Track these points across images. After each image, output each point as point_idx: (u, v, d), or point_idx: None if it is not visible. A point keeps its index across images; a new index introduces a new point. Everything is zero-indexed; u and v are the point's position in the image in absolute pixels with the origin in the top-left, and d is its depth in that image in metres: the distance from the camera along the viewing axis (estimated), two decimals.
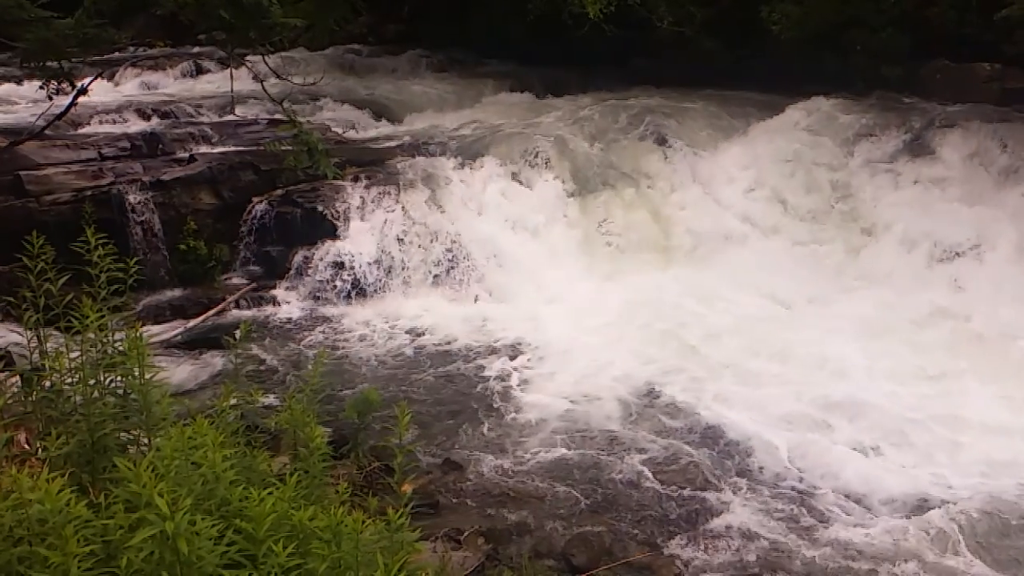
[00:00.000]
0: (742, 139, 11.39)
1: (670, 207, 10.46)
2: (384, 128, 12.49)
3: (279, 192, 9.50)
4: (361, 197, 9.41)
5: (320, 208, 9.26)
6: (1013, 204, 9.50)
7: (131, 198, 8.82)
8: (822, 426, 6.53)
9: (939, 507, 5.52)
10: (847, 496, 5.72)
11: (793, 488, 5.79)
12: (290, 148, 8.24)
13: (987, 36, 11.24)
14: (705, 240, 10.17)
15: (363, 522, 2.60)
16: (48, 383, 3.48)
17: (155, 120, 11.38)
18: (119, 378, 3.23)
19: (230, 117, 11.49)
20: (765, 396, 6.94)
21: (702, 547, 5.14)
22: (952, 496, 5.69)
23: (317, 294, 8.88)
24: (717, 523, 5.37)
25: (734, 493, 5.69)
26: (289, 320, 8.59)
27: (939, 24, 11.66)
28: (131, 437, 3.19)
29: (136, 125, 11.16)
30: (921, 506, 5.60)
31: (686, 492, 5.69)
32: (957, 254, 9.23)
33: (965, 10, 11.42)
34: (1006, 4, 9.96)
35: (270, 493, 2.63)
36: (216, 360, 7.52)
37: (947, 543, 5.17)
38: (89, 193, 8.68)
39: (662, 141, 10.98)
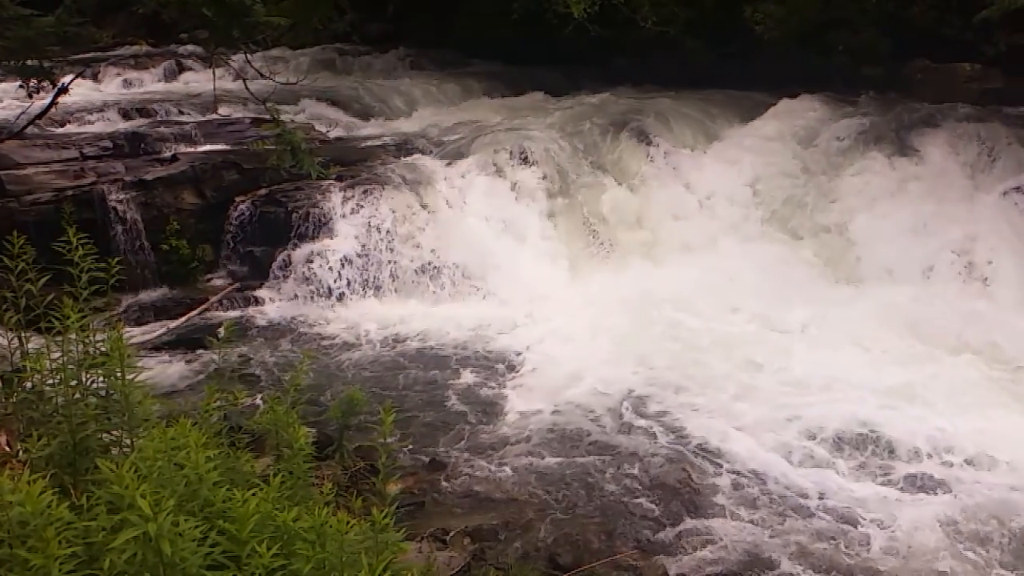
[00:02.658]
0: (727, 139, 11.39)
1: (655, 208, 10.41)
2: (368, 127, 12.48)
3: (262, 192, 9.46)
4: (345, 197, 9.38)
5: (304, 208, 9.22)
6: (997, 205, 9.51)
7: (113, 198, 8.76)
8: (822, 447, 6.31)
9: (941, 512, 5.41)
10: (849, 515, 5.51)
11: (783, 501, 5.66)
12: (273, 147, 8.21)
13: (967, 36, 11.35)
14: (693, 242, 10.08)
15: (348, 523, 2.59)
16: (29, 384, 3.45)
17: (137, 119, 11.31)
18: (101, 379, 3.20)
19: (213, 116, 11.44)
20: (758, 410, 6.75)
21: (688, 549, 5.14)
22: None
23: (301, 295, 8.84)
24: (704, 527, 5.35)
25: (723, 501, 5.64)
26: (273, 321, 8.55)
27: (920, 25, 11.76)
28: (113, 438, 3.16)
29: (118, 124, 11.09)
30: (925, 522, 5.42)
31: (673, 497, 5.65)
32: (954, 263, 9.10)
33: (945, 11, 11.53)
34: (985, 5, 10.06)
35: (254, 494, 2.62)
36: (199, 361, 7.47)
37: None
38: (70, 193, 8.61)
39: (646, 141, 10.98)
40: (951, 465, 6.07)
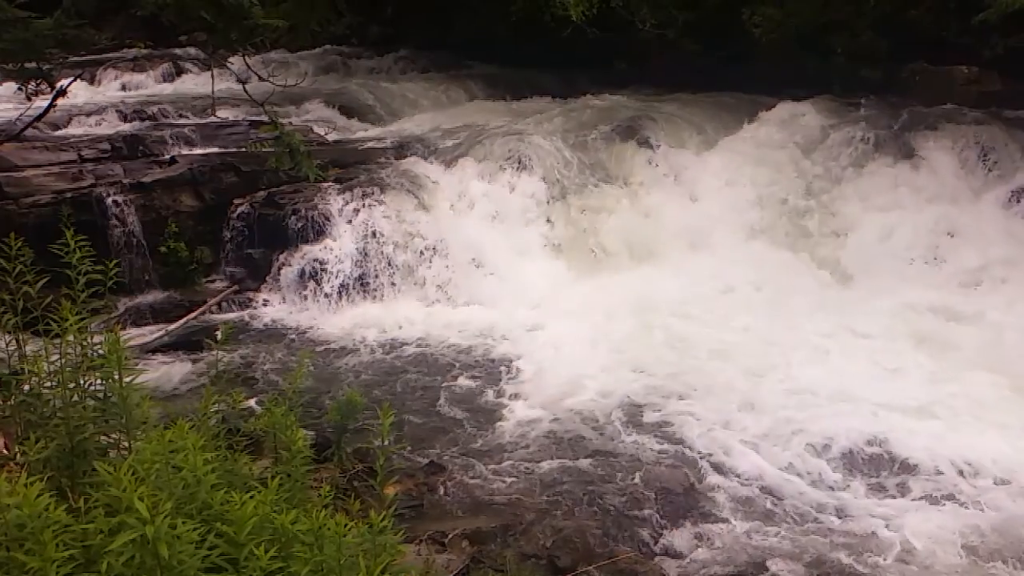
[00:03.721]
0: (726, 142, 11.33)
1: (655, 211, 10.36)
2: (367, 130, 12.48)
3: (261, 194, 9.46)
4: (344, 199, 9.36)
5: (302, 210, 9.21)
6: (1007, 219, 9.49)
7: (111, 200, 8.76)
8: (829, 458, 6.17)
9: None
10: (861, 525, 5.40)
11: (788, 510, 5.59)
12: (272, 150, 8.22)
13: (965, 39, 11.36)
14: (693, 246, 10.03)
15: (346, 525, 2.59)
16: (27, 387, 3.45)
17: (136, 122, 11.32)
18: (99, 381, 3.20)
19: (211, 119, 11.44)
20: (762, 420, 6.63)
21: (688, 553, 5.12)
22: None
23: (299, 297, 8.83)
24: (704, 532, 5.32)
25: (724, 508, 5.59)
26: (271, 323, 8.54)
27: (918, 27, 11.76)
28: (111, 441, 3.16)
29: (117, 127, 11.10)
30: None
31: (673, 503, 5.60)
32: (965, 278, 9.00)
33: (943, 13, 11.53)
34: (983, 7, 10.06)
35: (252, 496, 2.62)
36: (197, 363, 7.47)
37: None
38: (69, 195, 8.61)
39: (646, 144, 10.95)
40: (976, 487, 5.87)
